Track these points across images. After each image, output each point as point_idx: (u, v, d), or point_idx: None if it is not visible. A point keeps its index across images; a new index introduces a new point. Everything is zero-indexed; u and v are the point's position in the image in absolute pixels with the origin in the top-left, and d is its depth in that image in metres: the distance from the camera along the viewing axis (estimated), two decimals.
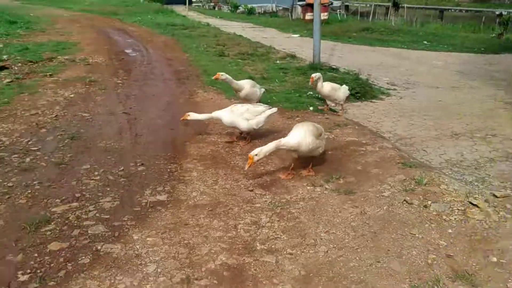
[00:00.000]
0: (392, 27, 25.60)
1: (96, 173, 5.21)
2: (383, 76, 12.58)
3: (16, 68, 11.55)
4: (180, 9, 36.01)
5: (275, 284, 3.29)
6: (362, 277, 3.37)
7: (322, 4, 27.76)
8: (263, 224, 4.12)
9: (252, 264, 3.53)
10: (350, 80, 10.04)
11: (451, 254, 3.64)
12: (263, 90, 7.62)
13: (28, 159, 5.55)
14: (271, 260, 3.58)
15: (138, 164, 5.48)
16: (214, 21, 27.02)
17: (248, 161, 4.73)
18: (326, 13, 29.39)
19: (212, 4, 44.67)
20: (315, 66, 11.55)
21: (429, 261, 3.55)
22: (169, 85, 9.94)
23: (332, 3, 39.25)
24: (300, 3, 37.58)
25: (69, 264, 3.47)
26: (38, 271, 3.39)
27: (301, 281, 3.34)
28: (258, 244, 3.80)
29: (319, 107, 8.18)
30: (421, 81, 12.10)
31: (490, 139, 7.10)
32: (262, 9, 49.91)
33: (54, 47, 14.75)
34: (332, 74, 11.00)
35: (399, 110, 8.79)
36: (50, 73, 10.74)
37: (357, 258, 3.61)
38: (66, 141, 6.22)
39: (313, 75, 7.51)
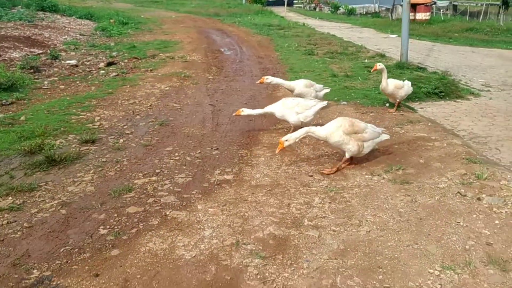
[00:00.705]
0: (499, 27, 24.11)
1: (176, 154, 5.87)
2: (479, 77, 12.12)
3: (122, 63, 12.86)
4: (280, 10, 36.76)
5: (313, 254, 3.64)
6: (396, 255, 3.60)
7: (423, 4, 27.07)
8: (315, 205, 4.47)
9: (297, 236, 3.91)
10: (435, 80, 9.92)
11: (491, 243, 3.72)
12: (325, 90, 7.56)
13: (121, 140, 6.37)
14: (315, 234, 3.92)
15: (214, 149, 6.07)
16: (312, 22, 27.35)
17: (279, 145, 5.05)
18: (428, 13, 28.44)
19: (313, 5, 44.92)
20: (402, 65, 11.48)
21: (467, 247, 3.68)
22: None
23: (435, 3, 37.75)
24: (402, 3, 36.55)
25: (141, 224, 4.10)
26: (116, 227, 4.05)
27: (338, 253, 3.65)
28: (306, 221, 4.16)
29: (389, 111, 7.89)
30: None
31: None
32: (364, 9, 49.23)
33: (158, 45, 16.07)
34: (418, 73, 10.88)
35: (483, 110, 8.56)
36: (151, 69, 11.85)
37: (396, 239, 3.84)
38: (155, 127, 7.00)
39: (377, 64, 7.56)
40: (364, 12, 48.64)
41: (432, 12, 32.29)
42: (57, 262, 3.54)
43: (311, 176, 5.17)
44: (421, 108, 8.58)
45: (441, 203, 4.43)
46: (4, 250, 3.69)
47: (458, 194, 4.59)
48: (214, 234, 3.92)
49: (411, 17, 26.63)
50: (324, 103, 6.44)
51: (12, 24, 18.57)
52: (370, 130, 5.25)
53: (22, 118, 7.30)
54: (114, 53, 14.60)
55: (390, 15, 37.55)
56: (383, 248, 3.71)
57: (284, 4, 42.04)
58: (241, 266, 3.48)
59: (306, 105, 6.21)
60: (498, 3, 29.27)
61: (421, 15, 27.27)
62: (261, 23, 23.70)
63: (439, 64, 13.39)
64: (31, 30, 17.91)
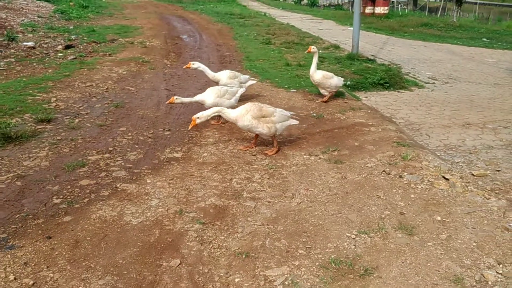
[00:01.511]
0: (453, 23, 25.17)
1: (129, 134, 6.20)
2: (426, 70, 12.84)
3: (81, 47, 12.93)
4: None
5: (248, 221, 4.08)
6: (321, 222, 4.09)
7: None
8: (254, 180, 4.91)
9: (235, 206, 4.34)
10: (381, 71, 10.54)
11: (404, 212, 4.26)
12: (251, 82, 7.74)
13: (77, 120, 6.64)
14: (251, 205, 4.36)
15: (166, 130, 6.42)
16: (274, 12, 27.75)
17: (192, 122, 5.35)
18: (386, 8, 29.25)
19: None
20: (353, 56, 12.07)
21: (383, 216, 4.20)
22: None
23: None
24: None
25: (93, 195, 4.44)
26: (68, 197, 4.38)
27: (270, 221, 4.11)
28: (244, 193, 4.60)
29: (322, 101, 8.09)
30: (464, 77, 12.27)
31: (500, 130, 7.44)
32: (327, 1, 49.98)
33: (118, 30, 16.13)
34: (367, 64, 11.49)
35: (423, 100, 9.21)
36: (109, 53, 12.00)
37: (323, 209, 4.32)
38: (111, 109, 7.28)
39: (311, 46, 7.96)
40: (328, 4, 49.39)
41: (392, 7, 33.27)
42: (13, 226, 3.85)
43: (255, 155, 5.61)
44: (366, 97, 9.16)
45: (367, 180, 4.95)
46: None
47: (384, 172, 5.13)
48: (160, 204, 4.31)
49: (370, 11, 27.47)
50: (250, 83, 7.38)
51: None
52: (278, 114, 5.60)
53: None
54: (73, 37, 14.59)
55: (350, 8, 38.34)
56: (310, 216, 4.19)
57: None
58: (182, 231, 3.89)
59: (233, 92, 6.63)
60: None
61: (379, 9, 28.05)
62: (223, 12, 23.93)
63: (391, 57, 14.07)
64: None
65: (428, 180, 4.91)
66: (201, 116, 5.38)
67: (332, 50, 13.79)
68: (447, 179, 4.95)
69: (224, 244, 3.72)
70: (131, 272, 3.34)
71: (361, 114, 7.36)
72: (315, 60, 7.81)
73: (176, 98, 6.09)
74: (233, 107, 6.23)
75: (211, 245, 3.70)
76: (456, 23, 25.02)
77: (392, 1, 35.77)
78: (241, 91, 6.89)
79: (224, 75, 7.41)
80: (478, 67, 13.66)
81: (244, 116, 5.42)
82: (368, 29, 21.49)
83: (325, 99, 8.05)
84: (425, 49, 16.90)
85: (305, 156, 5.62)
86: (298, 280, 3.30)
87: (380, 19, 25.49)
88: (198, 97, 6.36)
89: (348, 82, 9.63)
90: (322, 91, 8.03)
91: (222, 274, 3.35)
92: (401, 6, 39.23)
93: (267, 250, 3.67)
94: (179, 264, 3.44)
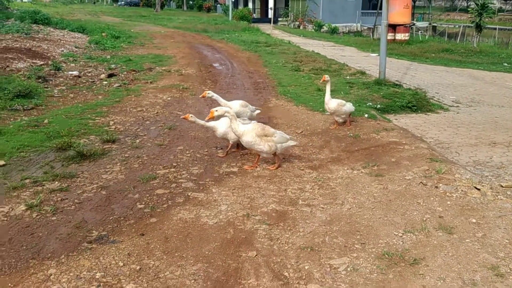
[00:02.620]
0: (473, 49, 25.74)
1: (187, 152, 6.93)
2: (450, 94, 13.40)
3: (122, 75, 13.88)
4: (266, 27, 38.19)
5: (307, 223, 4.72)
6: (370, 224, 4.71)
7: (403, 25, 28.70)
8: (306, 190, 5.56)
9: (293, 211, 4.99)
10: (409, 95, 11.17)
11: (442, 216, 4.86)
12: (258, 111, 8.01)
13: (138, 141, 7.40)
14: (307, 210, 5.01)
15: (218, 148, 7.13)
16: (296, 40, 28.69)
17: (210, 114, 6.06)
18: (407, 34, 30.02)
19: (297, 23, 46.52)
20: (380, 82, 12.75)
21: (424, 219, 4.81)
22: (247, 93, 11.64)
23: (414, 24, 39.65)
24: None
25: (170, 201, 5.14)
26: (150, 203, 5.09)
27: (326, 222, 4.74)
28: (300, 201, 5.25)
29: (330, 127, 8.44)
30: (487, 100, 12.79)
31: None
32: (347, 28, 51.08)
33: (152, 59, 17.14)
34: (394, 89, 12.15)
35: (449, 122, 9.80)
36: (150, 81, 12.90)
37: (371, 214, 4.95)
38: (165, 130, 8.04)
39: (325, 75, 8.38)
40: (347, 31, 50.51)
41: (412, 33, 34.04)
42: (109, 226, 4.56)
43: (302, 170, 6.27)
44: (396, 119, 9.79)
45: (407, 190, 5.57)
46: (66, 218, 4.70)
47: (421, 183, 5.74)
48: (228, 209, 4.98)
49: (391, 37, 28.22)
50: (254, 116, 7.65)
51: (10, 36, 19.45)
52: (279, 135, 6.21)
53: (46, 121, 8.26)
54: (113, 66, 15.60)
55: (371, 34, 39.29)
56: (360, 219, 4.82)
57: (269, 22, 43.56)
58: (252, 230, 4.54)
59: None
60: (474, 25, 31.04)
61: (400, 36, 28.83)
62: (249, 40, 24.93)
63: (414, 82, 14.69)
64: (30, 42, 18.80)
65: (462, 190, 5.50)
66: (220, 110, 6.08)
67: (358, 76, 14.51)
68: (479, 189, 5.54)
69: (290, 240, 4.36)
70: (217, 260, 4.00)
71: (394, 134, 7.99)
72: (328, 89, 8.23)
73: (191, 117, 6.49)
74: (238, 139, 6.59)
75: (279, 241, 4.35)
76: (476, 49, 25.60)
77: (412, 27, 36.54)
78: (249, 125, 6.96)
79: (236, 104, 7.70)
80: (500, 91, 14.17)
81: (249, 132, 6.07)
82: (390, 55, 22.15)
83: (334, 127, 8.42)
84: (448, 74, 17.46)
85: (348, 170, 6.26)
86: (358, 268, 3.92)
87: (401, 45, 26.23)
88: (211, 124, 6.70)
89: (378, 106, 10.29)
90: (336, 118, 8.40)
91: (293, 263, 3.99)
92: (421, 32, 39.98)
93: (327, 245, 4.30)
94: (256, 255, 4.09)
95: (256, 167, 6.36)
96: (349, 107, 8.34)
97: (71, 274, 3.76)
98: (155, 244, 4.24)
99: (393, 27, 28.04)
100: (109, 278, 3.72)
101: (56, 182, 5.59)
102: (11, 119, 8.38)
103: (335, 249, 4.23)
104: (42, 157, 6.51)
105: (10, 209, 4.85)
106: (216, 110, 6.13)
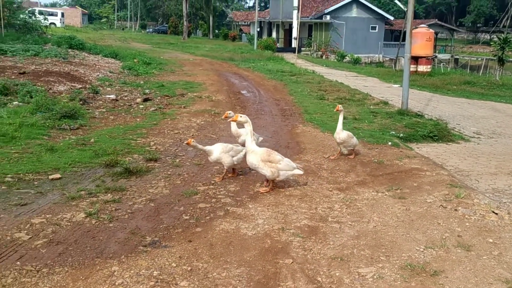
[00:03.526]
0: (496, 82, 26.05)
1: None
2: (471, 126, 13.81)
3: (157, 100, 14.67)
4: (289, 56, 39.14)
5: (337, 237, 5.22)
6: (394, 240, 5.19)
7: (425, 57, 29.25)
8: (335, 209, 6.07)
9: (324, 226, 5.50)
10: (430, 125, 11.67)
11: (461, 235, 5.31)
12: (261, 138, 8.41)
13: (177, 160, 8.03)
14: (336, 226, 5.52)
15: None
16: (319, 69, 29.43)
17: (225, 114, 6.85)
18: (429, 66, 30.56)
19: (320, 52, 47.48)
20: (402, 112, 13.26)
21: (444, 237, 5.26)
22: (275, 119, 12.26)
23: (436, 56, 40.19)
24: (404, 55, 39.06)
25: (211, 214, 5.71)
26: (194, 215, 5.66)
27: (354, 237, 5.23)
28: (329, 218, 5.76)
29: (331, 157, 8.62)
30: (508, 132, 13.16)
31: None
32: (369, 59, 51.89)
33: (184, 85, 17.95)
34: (416, 119, 12.64)
35: (470, 152, 10.22)
36: (184, 105, 13.64)
37: (394, 231, 5.43)
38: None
39: (339, 105, 8.56)
40: (369, 62, 51.28)
41: (434, 65, 34.55)
42: (160, 233, 5.13)
43: (331, 191, 6.79)
44: (418, 148, 10.26)
45: (428, 211, 6.03)
46: (121, 225, 5.29)
47: (441, 206, 6.20)
48: (265, 222, 5.52)
49: (413, 69, 28.75)
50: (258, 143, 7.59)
51: (49, 60, 20.56)
52: (285, 163, 6.59)
53: (92, 140, 8.97)
54: (147, 91, 16.44)
55: (393, 66, 39.88)
56: (385, 235, 5.30)
57: (292, 51, 44.61)
58: (287, 241, 5.06)
59: (238, 150, 7.23)
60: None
61: (422, 67, 29.38)
62: (274, 69, 25.72)
63: (436, 113, 15.14)
64: (68, 67, 19.85)
65: (480, 213, 5.95)
66: (243, 116, 6.70)
67: (382, 105, 15.04)
68: (496, 213, 5.97)
69: (322, 251, 4.87)
70: (258, 265, 4.52)
71: (416, 161, 8.47)
72: (341, 119, 8.44)
73: (193, 141, 6.81)
74: (232, 164, 7.11)
75: (312, 252, 4.86)
76: (499, 82, 25.94)
77: (434, 60, 37.06)
78: (243, 152, 7.19)
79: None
80: None
81: (256, 154, 6.50)
82: (412, 86, 22.59)
83: (334, 157, 8.63)
84: (469, 106, 17.86)
85: (373, 193, 6.75)
86: (383, 276, 4.40)
87: (423, 77, 26.73)
88: (207, 148, 7.04)
89: (401, 134, 10.79)
90: (343, 149, 8.61)
91: (325, 270, 4.49)
92: (443, 64, 40.43)
93: (355, 256, 4.79)
94: (292, 262, 4.61)
95: (273, 189, 6.70)
96: (355, 140, 8.56)
97: (131, 271, 4.33)
98: (202, 250, 4.79)
99: (415, 59, 28.60)
100: (165, 276, 4.27)
101: (109, 194, 6.21)
102: (60, 138, 9.12)
103: (362, 260, 4.72)
104: (92, 172, 7.17)
105: (72, 216, 5.48)
106: (241, 116, 6.71)
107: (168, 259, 4.57)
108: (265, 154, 6.53)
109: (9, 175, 6.72)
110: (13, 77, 15.33)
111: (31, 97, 12.17)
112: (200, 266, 4.48)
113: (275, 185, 6.84)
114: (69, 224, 5.28)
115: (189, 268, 4.42)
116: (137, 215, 5.60)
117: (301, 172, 6.81)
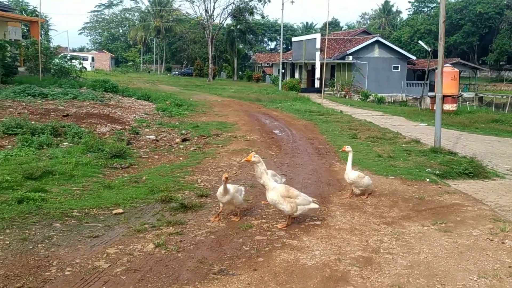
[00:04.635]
0: None
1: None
2: (504, 163, 13.97)
3: (195, 140, 15.28)
4: (313, 96, 39.90)
5: (391, 267, 5.53)
6: (446, 270, 5.47)
7: (451, 96, 29.58)
8: (385, 241, 6.39)
9: (377, 257, 5.82)
10: (465, 163, 11.92)
11: (511, 266, 5.57)
12: (284, 179, 8.56)
13: None
14: (389, 257, 5.83)
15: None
16: (345, 109, 29.96)
17: (249, 156, 6.91)
18: (455, 105, 30.87)
19: (343, 92, 48.21)
20: (436, 150, 13.55)
21: (495, 268, 5.52)
22: (312, 158, 12.68)
23: (461, 95, 40.43)
24: (430, 94, 39.52)
25: (269, 246, 6.09)
26: (254, 246, 6.04)
27: (407, 267, 5.54)
28: (381, 250, 6.08)
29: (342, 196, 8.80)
30: None
31: None
32: (392, 98, 52.35)
33: (217, 126, 18.59)
34: (450, 157, 12.91)
35: (507, 188, 10.43)
36: (221, 145, 14.19)
37: (445, 262, 5.71)
38: (247, 188, 9.08)
39: (346, 146, 8.89)
40: (392, 101, 51.73)
41: (458, 103, 34.76)
42: (226, 262, 5.53)
43: (378, 225, 7.11)
44: (454, 184, 10.51)
45: (475, 244, 6.30)
46: (188, 255, 5.71)
47: (488, 239, 6.46)
48: (321, 254, 5.87)
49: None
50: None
51: (88, 103, 21.53)
52: (302, 198, 6.95)
53: (144, 178, 9.51)
54: (183, 131, 17.12)
55: (418, 104, 40.20)
56: (437, 265, 5.59)
57: (315, 91, 45.46)
58: (345, 270, 5.40)
59: (241, 190, 7.53)
60: None
61: (448, 106, 29.65)
62: (302, 109, 26.34)
63: (466, 151, 15.33)
64: (106, 109, 20.76)
65: None
66: (257, 157, 6.96)
67: (413, 144, 15.36)
68: None
69: (379, 280, 5.18)
70: None
71: (456, 197, 8.74)
72: (350, 160, 8.64)
73: (223, 180, 7.00)
74: (238, 204, 7.31)
75: (370, 280, 5.17)
76: None
77: (459, 98, 37.26)
78: (243, 193, 7.58)
79: (270, 173, 7.73)
80: None
81: (277, 191, 6.87)
82: None
83: (347, 196, 8.76)
84: (499, 144, 17.99)
85: (418, 227, 7.05)
86: None
87: (449, 116, 26.97)
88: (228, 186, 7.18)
89: (437, 172, 11.07)
90: (354, 189, 8.71)
91: None
92: (468, 103, 40.61)
93: (412, 284, 5.09)
94: None
95: (289, 224, 6.97)
96: (367, 180, 8.62)
97: None
98: (268, 278, 5.15)
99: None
100: None
101: (171, 227, 6.66)
102: (114, 176, 9.69)
103: (418, 287, 5.01)
104: (151, 207, 7.65)
105: (142, 247, 5.92)
106: (255, 156, 6.97)
107: (238, 285, 4.95)
108: (284, 190, 6.94)
109: (75, 210, 7.25)
110: (58, 119, 16.19)
111: (80, 138, 12.89)
112: None
113: (293, 220, 7.17)
114: (141, 254, 5.72)
115: None
116: (201, 246, 6.01)
117: (317, 206, 7.18)
